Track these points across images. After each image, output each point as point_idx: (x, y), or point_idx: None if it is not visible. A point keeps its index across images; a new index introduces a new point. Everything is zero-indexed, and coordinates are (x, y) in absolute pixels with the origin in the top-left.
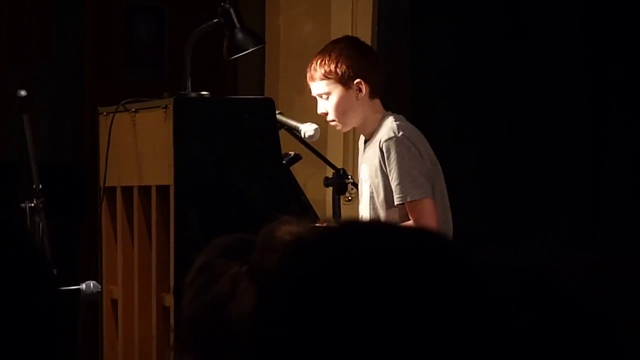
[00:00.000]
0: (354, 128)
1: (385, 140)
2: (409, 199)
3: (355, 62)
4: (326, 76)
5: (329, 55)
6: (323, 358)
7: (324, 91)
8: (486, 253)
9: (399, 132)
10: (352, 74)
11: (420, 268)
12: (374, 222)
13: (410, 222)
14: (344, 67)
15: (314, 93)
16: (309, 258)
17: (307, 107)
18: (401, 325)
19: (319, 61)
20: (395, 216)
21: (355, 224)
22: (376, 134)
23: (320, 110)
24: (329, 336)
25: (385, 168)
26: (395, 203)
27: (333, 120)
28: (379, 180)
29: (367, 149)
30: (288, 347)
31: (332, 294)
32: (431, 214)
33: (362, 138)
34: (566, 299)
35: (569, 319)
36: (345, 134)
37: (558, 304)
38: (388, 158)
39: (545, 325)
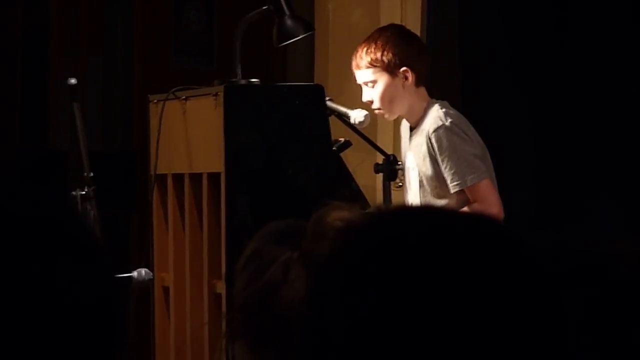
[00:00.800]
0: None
1: (435, 130)
2: (468, 184)
3: (402, 50)
4: (372, 64)
5: (375, 43)
6: (376, 344)
7: (370, 79)
8: (540, 237)
9: (446, 120)
10: (398, 61)
11: (474, 253)
12: (427, 208)
13: (465, 209)
14: (390, 55)
15: (360, 81)
16: (363, 243)
17: (357, 94)
18: (455, 313)
19: (365, 49)
20: (452, 203)
21: (408, 209)
22: (422, 123)
23: (366, 98)
24: (382, 322)
25: (437, 157)
26: (453, 191)
27: (379, 109)
28: (428, 169)
29: (413, 137)
30: (341, 334)
31: (386, 280)
32: (493, 193)
33: (404, 125)
34: (621, 281)
35: (624, 302)
36: (396, 120)
37: (613, 287)
38: (440, 147)
39: (599, 309)
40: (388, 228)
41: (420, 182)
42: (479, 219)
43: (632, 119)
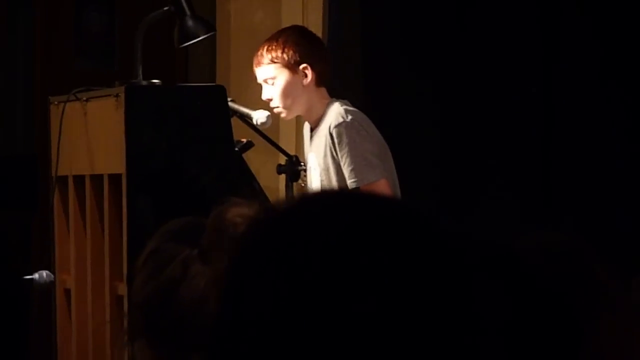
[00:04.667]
0: (301, 116)
1: (336, 126)
2: (365, 182)
3: (302, 48)
4: (273, 61)
5: (276, 41)
6: (298, 338)
7: (270, 76)
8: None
9: (347, 117)
10: (298, 59)
11: (388, 234)
12: (335, 193)
13: None
14: (290, 52)
15: (260, 79)
16: (277, 232)
17: (259, 95)
18: (371, 300)
19: (266, 47)
20: None
21: (315, 196)
22: (323, 121)
23: (265, 96)
24: (302, 315)
25: (337, 154)
26: (351, 187)
27: (277, 107)
28: (330, 167)
29: (314, 136)
30: (260, 330)
31: (304, 269)
32: (388, 194)
33: (307, 127)
34: (527, 275)
35: (527, 296)
36: (299, 121)
37: (521, 281)
38: (340, 143)
39: (510, 301)
40: (304, 214)
41: (322, 181)
42: (394, 203)
43: (531, 117)
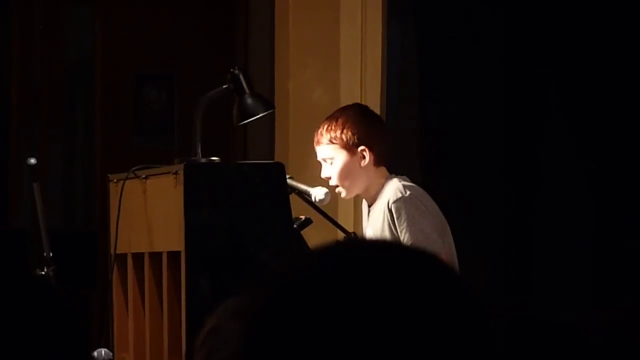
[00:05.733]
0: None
1: (394, 202)
2: None
3: (361, 129)
4: (331, 141)
5: (336, 121)
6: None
7: (329, 156)
8: (506, 307)
9: (406, 192)
10: (357, 140)
11: (415, 292)
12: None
13: None
14: (349, 133)
15: (319, 157)
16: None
17: (317, 171)
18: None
19: (325, 126)
20: None
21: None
22: (381, 197)
23: (324, 174)
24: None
25: (396, 229)
26: None
27: (337, 186)
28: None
29: (371, 212)
30: None
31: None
32: None
33: (365, 202)
34: (588, 355)
35: None
36: (357, 198)
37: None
38: (399, 218)
39: None
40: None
41: None
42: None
43: (584, 197)
